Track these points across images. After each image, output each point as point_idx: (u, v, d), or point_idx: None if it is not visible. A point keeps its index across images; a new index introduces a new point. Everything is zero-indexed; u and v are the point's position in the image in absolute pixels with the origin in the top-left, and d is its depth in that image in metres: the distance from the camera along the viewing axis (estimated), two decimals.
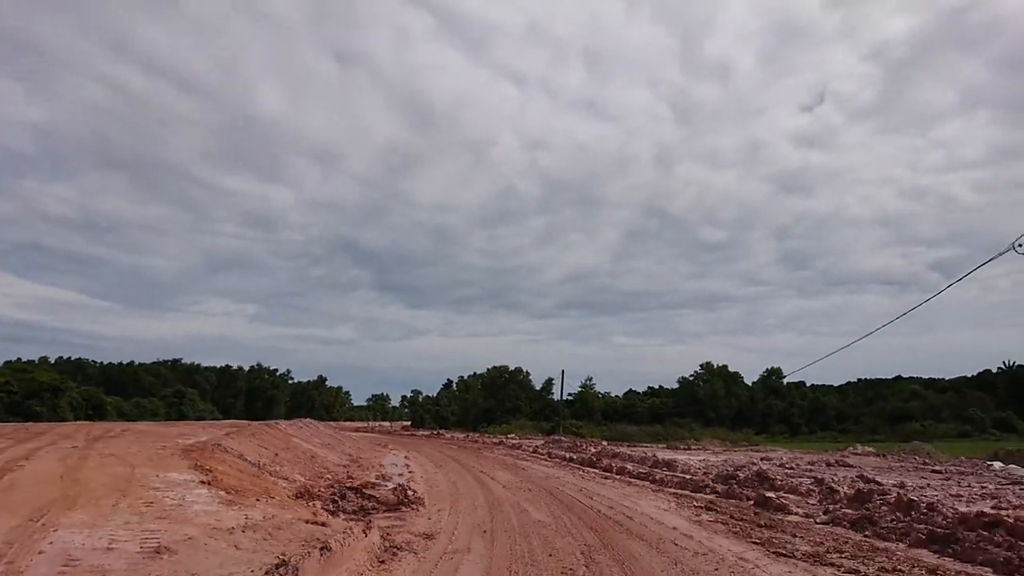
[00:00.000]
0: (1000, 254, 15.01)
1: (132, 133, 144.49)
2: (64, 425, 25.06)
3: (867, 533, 8.69)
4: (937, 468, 21.23)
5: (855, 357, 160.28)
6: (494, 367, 73.47)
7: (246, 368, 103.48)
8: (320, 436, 24.43)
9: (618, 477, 16.87)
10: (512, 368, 72.77)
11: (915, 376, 78.67)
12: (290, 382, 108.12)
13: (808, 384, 73.18)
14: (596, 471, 18.42)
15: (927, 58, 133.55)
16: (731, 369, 71.81)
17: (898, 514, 9.42)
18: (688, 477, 15.96)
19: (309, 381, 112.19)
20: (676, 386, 72.15)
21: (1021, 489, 14.37)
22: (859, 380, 78.90)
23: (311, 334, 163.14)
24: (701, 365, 71.90)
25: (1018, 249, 14.20)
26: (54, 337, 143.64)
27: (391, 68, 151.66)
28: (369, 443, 29.14)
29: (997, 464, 22.89)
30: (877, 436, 52.28)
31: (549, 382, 69.78)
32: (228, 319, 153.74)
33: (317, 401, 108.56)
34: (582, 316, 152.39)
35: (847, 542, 8.11)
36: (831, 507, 10.79)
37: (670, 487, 14.41)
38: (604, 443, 34.18)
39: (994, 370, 70.94)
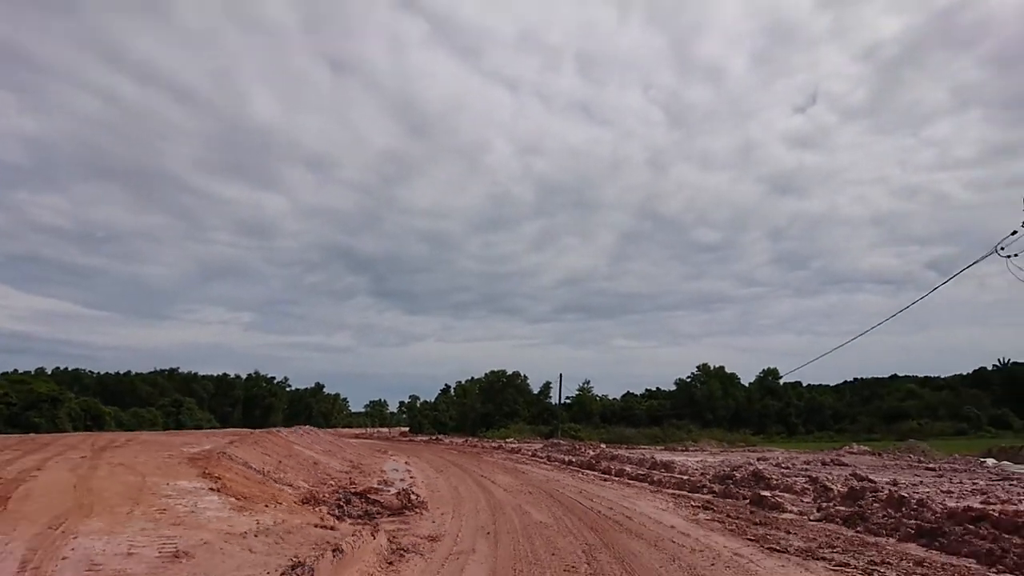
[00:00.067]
0: (984, 257, 15.36)
1: (126, 143, 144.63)
2: (69, 436, 25.23)
3: (859, 529, 8.98)
4: (931, 466, 21.56)
5: (851, 357, 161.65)
6: (492, 372, 73.62)
7: (243, 376, 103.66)
8: (321, 443, 24.59)
9: (617, 479, 17.09)
10: (510, 372, 72.96)
11: (911, 375, 79.43)
12: (287, 390, 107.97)
13: (805, 384, 73.52)
14: (595, 473, 18.66)
15: (918, 58, 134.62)
16: (728, 370, 72.04)
17: (889, 510, 9.70)
18: (686, 478, 16.21)
19: (306, 388, 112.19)
20: (673, 388, 72.34)
21: (1011, 485, 14.66)
22: (855, 380, 79.42)
23: (308, 341, 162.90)
24: (698, 366, 72.13)
25: (1001, 252, 14.51)
26: (51, 348, 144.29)
27: (385, 75, 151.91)
28: (369, 449, 29.26)
29: (990, 461, 23.26)
30: (874, 435, 52.59)
31: (547, 386, 70.00)
32: (224, 327, 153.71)
33: (315, 408, 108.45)
34: (579, 319, 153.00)
35: (839, 538, 8.39)
36: (825, 505, 11.06)
37: (668, 488, 14.65)
38: (603, 446, 34.42)
39: (989, 368, 71.56)
